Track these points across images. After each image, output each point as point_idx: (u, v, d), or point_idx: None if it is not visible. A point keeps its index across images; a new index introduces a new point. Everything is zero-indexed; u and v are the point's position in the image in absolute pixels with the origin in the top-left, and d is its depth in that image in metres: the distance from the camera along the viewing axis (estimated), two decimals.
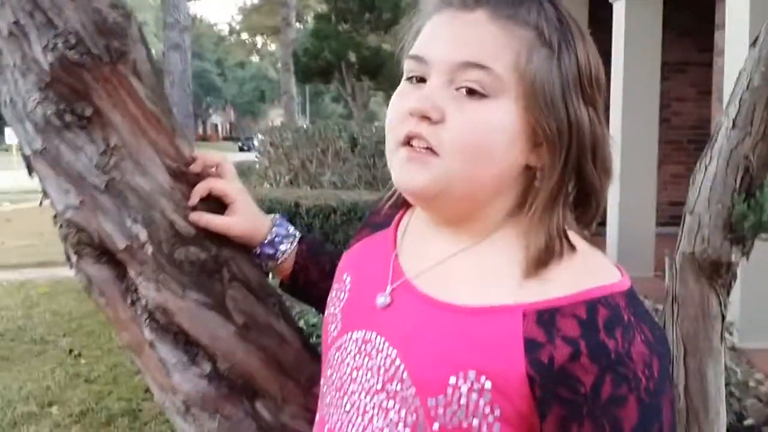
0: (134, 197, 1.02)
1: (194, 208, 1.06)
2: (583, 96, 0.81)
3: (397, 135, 0.83)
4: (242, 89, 56.22)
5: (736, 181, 1.24)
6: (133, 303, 1.05)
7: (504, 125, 0.79)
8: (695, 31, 7.84)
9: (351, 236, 1.08)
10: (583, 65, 0.81)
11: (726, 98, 1.33)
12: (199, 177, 1.09)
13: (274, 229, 1.13)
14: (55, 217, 1.05)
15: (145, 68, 1.04)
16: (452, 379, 0.78)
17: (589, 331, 0.74)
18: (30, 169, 1.04)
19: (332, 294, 1.00)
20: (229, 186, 1.11)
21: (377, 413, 0.84)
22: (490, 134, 0.79)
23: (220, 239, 1.07)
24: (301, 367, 1.10)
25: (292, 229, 1.16)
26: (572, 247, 0.81)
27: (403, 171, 0.82)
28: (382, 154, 8.54)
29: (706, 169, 1.27)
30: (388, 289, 0.89)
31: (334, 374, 0.92)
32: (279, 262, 1.14)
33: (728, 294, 1.34)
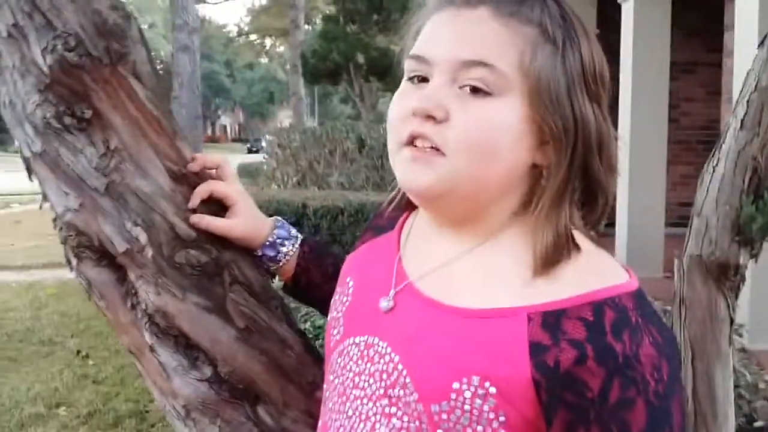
0: (134, 200, 1.02)
1: (194, 211, 1.05)
2: (588, 93, 0.80)
3: (399, 135, 0.81)
4: (251, 91, 56.33)
5: (744, 183, 1.23)
6: (133, 306, 1.05)
7: (509, 123, 0.78)
8: (704, 32, 7.80)
9: (358, 237, 1.07)
10: (588, 62, 0.80)
11: (735, 99, 1.32)
12: (200, 179, 1.08)
13: (275, 231, 1.12)
14: (54, 219, 1.04)
15: (146, 70, 1.03)
16: (456, 385, 0.76)
17: (596, 334, 0.73)
18: (30, 172, 1.04)
19: (335, 298, 0.99)
20: (230, 188, 1.10)
21: (380, 419, 0.83)
22: (495, 132, 0.78)
23: (221, 242, 1.06)
24: (303, 371, 1.09)
25: (293, 231, 1.15)
26: (578, 248, 0.79)
27: (408, 171, 0.81)
28: None
29: (713, 171, 1.26)
30: (392, 292, 0.88)
31: (337, 379, 0.91)
32: (281, 264, 1.13)
33: (736, 296, 1.33)
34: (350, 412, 0.87)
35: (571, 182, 0.81)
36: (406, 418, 0.81)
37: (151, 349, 1.04)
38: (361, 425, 0.85)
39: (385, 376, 0.84)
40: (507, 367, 0.75)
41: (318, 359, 1.10)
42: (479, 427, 0.75)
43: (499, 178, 0.80)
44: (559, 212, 0.80)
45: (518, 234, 0.82)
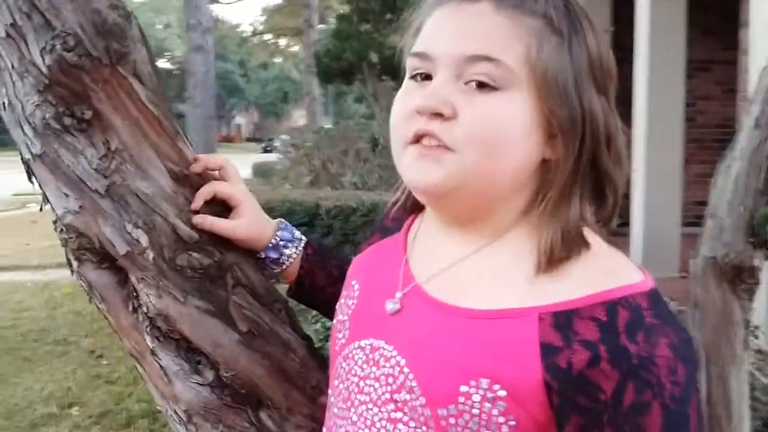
0: (135, 201, 1.00)
1: (197, 212, 1.04)
2: (596, 84, 0.79)
3: (404, 134, 0.80)
4: (265, 90, 56.48)
5: (758, 183, 1.21)
6: (134, 309, 1.04)
7: (517, 117, 0.77)
8: (719, 29, 7.74)
9: (366, 239, 1.06)
10: (594, 53, 0.79)
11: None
12: (203, 181, 1.07)
13: (278, 233, 1.11)
14: (55, 222, 1.03)
15: (146, 70, 1.02)
16: (464, 388, 0.75)
17: (609, 335, 0.71)
18: (30, 174, 1.03)
19: (341, 301, 0.97)
20: (234, 188, 1.09)
21: (386, 425, 0.82)
22: (504, 127, 0.76)
23: (224, 244, 1.05)
24: (307, 375, 1.08)
25: (297, 233, 1.14)
26: (588, 246, 0.78)
27: (415, 168, 0.79)
28: None
29: (727, 171, 1.24)
30: (398, 295, 0.86)
31: (341, 384, 0.89)
32: (284, 266, 1.12)
33: (751, 299, 1.31)
34: (355, 418, 0.85)
35: (579, 176, 0.79)
36: (412, 424, 0.79)
37: (153, 353, 1.03)
38: (366, 431, 0.83)
39: (390, 380, 0.82)
40: (517, 369, 0.73)
41: (322, 363, 1.08)
42: None
43: (508, 173, 0.79)
44: (567, 207, 0.78)
45: (526, 233, 0.81)
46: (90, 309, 6.58)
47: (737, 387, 1.32)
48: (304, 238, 1.14)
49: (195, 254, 1.02)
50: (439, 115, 0.77)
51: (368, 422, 0.84)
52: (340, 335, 0.93)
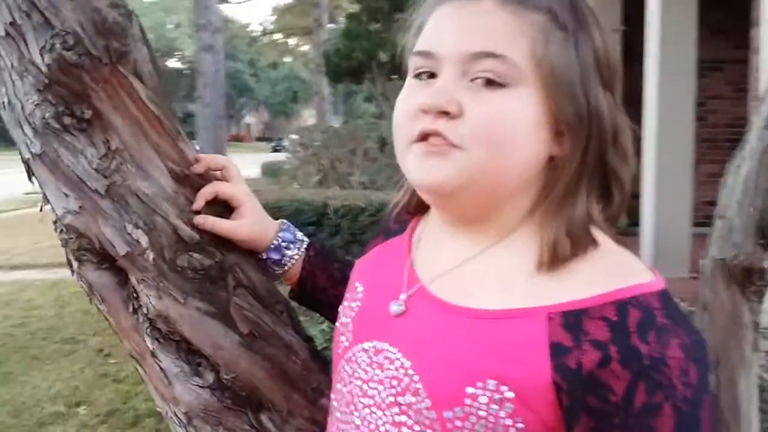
0: (135, 202, 0.99)
1: (199, 212, 1.03)
2: (602, 80, 0.78)
3: (408, 133, 0.79)
4: (275, 90, 56.55)
5: None
6: (134, 310, 1.03)
7: (524, 114, 0.76)
8: (730, 29, 7.70)
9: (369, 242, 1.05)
10: (600, 48, 0.78)
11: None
12: (204, 181, 1.06)
13: (280, 233, 1.10)
14: (55, 222, 1.03)
15: (147, 69, 1.01)
16: (470, 389, 0.73)
17: (620, 335, 0.69)
18: (29, 174, 1.02)
19: (344, 304, 0.96)
20: (236, 189, 1.08)
21: (390, 429, 0.80)
22: (511, 124, 0.75)
23: (226, 245, 1.04)
24: (309, 377, 1.07)
25: (299, 234, 1.13)
26: (596, 244, 0.76)
27: (421, 166, 0.78)
28: None
29: (737, 171, 1.22)
30: (403, 296, 0.85)
31: (344, 388, 0.88)
32: (286, 268, 1.10)
33: (760, 301, 1.29)
34: (358, 422, 0.84)
35: (585, 173, 0.78)
36: (417, 427, 0.77)
37: (153, 355, 1.02)
38: None
39: (395, 382, 0.81)
40: (525, 370, 0.72)
41: (325, 365, 1.07)
42: None
43: (515, 171, 0.77)
44: (572, 204, 0.77)
45: (532, 232, 0.79)
46: None
47: (746, 390, 1.31)
48: (306, 239, 1.13)
49: (196, 255, 1.01)
50: (444, 114, 0.76)
51: (372, 426, 0.82)
52: (343, 338, 0.92)
